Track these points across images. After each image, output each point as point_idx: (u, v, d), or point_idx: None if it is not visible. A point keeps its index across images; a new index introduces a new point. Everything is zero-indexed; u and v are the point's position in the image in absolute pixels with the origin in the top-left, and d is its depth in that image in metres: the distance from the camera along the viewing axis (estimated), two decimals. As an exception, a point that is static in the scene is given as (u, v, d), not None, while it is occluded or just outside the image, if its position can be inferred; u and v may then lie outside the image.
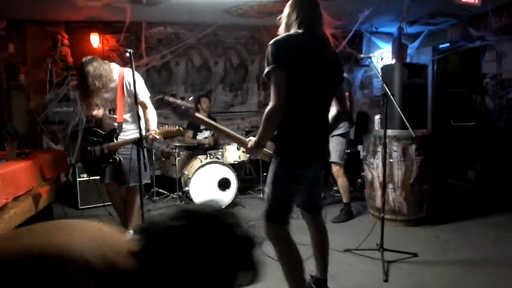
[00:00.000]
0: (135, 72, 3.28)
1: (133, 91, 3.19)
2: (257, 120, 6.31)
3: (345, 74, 4.12)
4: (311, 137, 2.11)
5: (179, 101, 2.15)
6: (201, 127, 5.52)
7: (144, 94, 3.30)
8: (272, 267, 2.26)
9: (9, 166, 3.07)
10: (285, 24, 2.14)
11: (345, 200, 4.27)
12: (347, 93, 3.90)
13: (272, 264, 2.26)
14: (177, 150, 5.06)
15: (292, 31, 2.08)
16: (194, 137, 5.44)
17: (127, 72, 3.28)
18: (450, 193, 5.52)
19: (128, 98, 3.29)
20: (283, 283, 2.20)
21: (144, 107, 3.32)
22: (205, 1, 4.53)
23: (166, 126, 3.26)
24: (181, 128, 3.20)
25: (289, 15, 2.12)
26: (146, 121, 3.30)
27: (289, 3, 2.15)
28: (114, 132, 3.28)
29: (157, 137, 3.20)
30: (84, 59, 3.16)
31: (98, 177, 3.50)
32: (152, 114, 3.36)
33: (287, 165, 2.11)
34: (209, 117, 5.62)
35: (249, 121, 6.46)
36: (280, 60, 1.96)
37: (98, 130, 3.38)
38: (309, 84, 2.05)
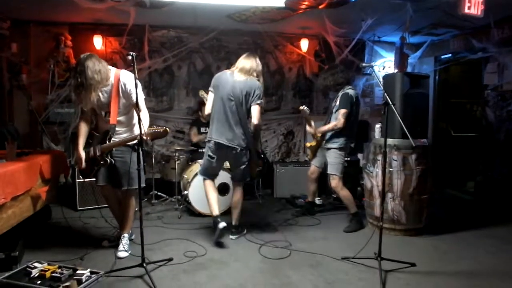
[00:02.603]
0: (131, 74, 3.26)
1: (128, 92, 3.19)
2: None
3: (350, 91, 4.07)
4: (217, 132, 3.62)
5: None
6: (205, 125, 5.52)
7: (139, 96, 3.24)
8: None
9: (8, 166, 3.06)
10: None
11: (352, 211, 4.25)
12: (343, 110, 4.04)
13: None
14: (177, 154, 5.05)
15: (232, 67, 3.74)
16: (200, 133, 5.43)
17: (123, 73, 3.25)
18: (449, 204, 5.51)
19: (123, 100, 3.25)
20: None
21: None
22: (208, 5, 4.55)
23: (154, 126, 3.20)
24: (167, 129, 3.13)
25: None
26: (138, 122, 3.23)
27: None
28: (107, 134, 3.26)
29: (145, 138, 3.08)
30: (82, 55, 3.13)
31: (94, 179, 3.48)
32: (144, 116, 3.31)
33: (207, 148, 3.77)
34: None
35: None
36: (211, 85, 3.72)
37: (93, 132, 3.37)
38: (220, 101, 3.61)
